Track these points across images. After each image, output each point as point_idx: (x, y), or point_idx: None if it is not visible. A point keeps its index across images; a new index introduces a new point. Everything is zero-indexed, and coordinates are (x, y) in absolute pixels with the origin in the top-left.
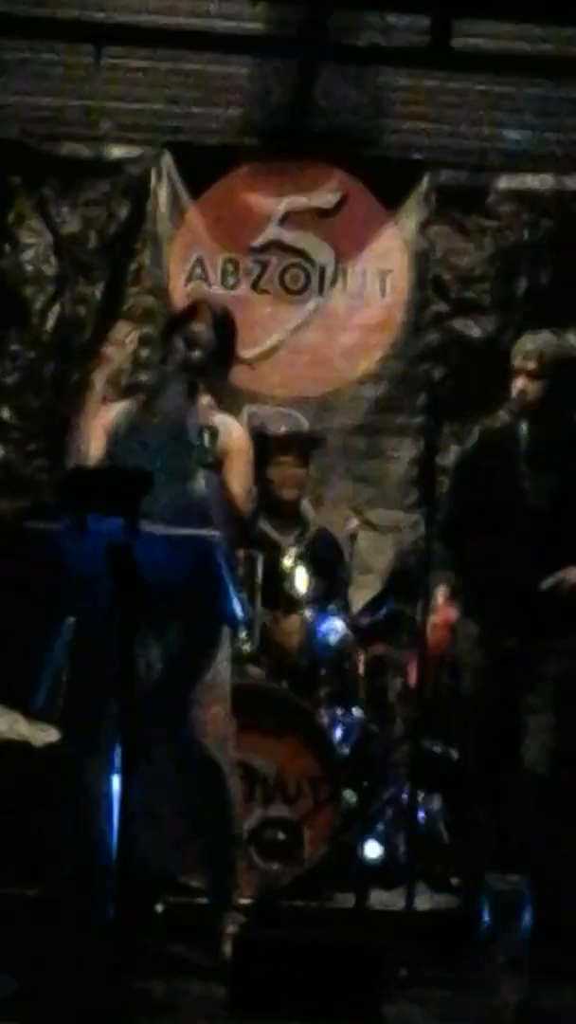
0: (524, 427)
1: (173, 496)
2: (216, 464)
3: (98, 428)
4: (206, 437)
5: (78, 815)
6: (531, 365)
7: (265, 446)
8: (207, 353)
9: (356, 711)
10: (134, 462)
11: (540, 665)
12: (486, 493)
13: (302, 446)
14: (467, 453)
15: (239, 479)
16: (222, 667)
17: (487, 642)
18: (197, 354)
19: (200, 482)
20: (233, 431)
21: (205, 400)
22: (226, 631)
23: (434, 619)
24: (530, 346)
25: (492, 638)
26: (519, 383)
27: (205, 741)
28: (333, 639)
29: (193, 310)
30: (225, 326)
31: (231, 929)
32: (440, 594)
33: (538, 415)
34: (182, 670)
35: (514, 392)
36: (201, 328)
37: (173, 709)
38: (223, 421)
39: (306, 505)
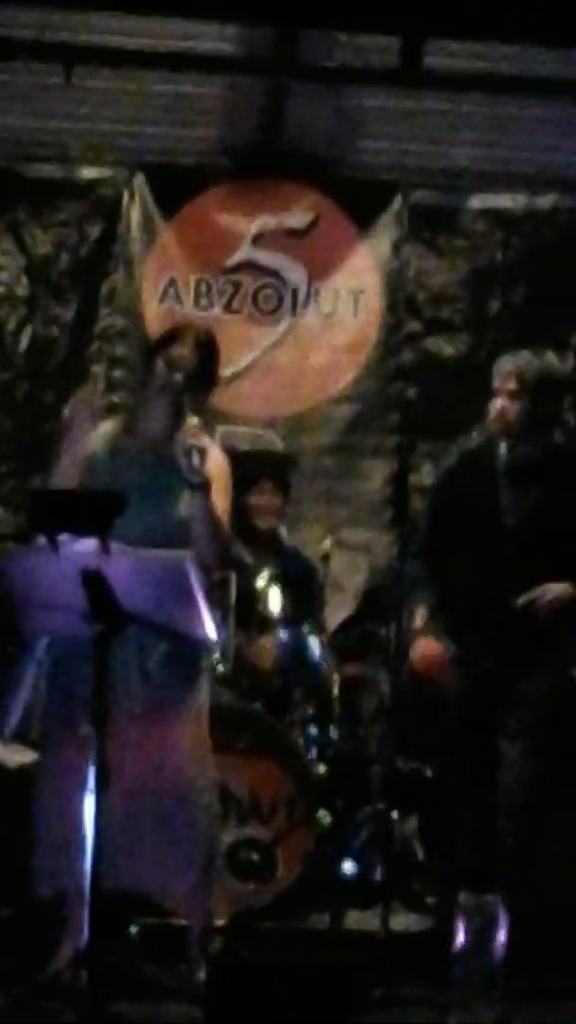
0: (502, 447)
1: (156, 519)
2: (203, 485)
3: (77, 451)
4: (195, 457)
5: (52, 837)
6: (511, 385)
7: (243, 471)
8: (189, 376)
9: (330, 730)
10: (116, 485)
11: (518, 687)
12: (464, 512)
13: (279, 473)
14: (445, 473)
15: (220, 504)
16: (202, 690)
17: (466, 663)
18: (178, 377)
19: (182, 505)
20: (212, 454)
21: (193, 421)
22: (207, 655)
23: (417, 651)
24: (509, 366)
25: (471, 659)
26: (499, 403)
27: (184, 764)
28: (305, 663)
29: (176, 333)
30: (208, 349)
31: (208, 951)
32: (418, 616)
33: (517, 435)
34: (163, 693)
35: (493, 412)
36: (184, 351)
37: (153, 732)
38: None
39: (281, 528)
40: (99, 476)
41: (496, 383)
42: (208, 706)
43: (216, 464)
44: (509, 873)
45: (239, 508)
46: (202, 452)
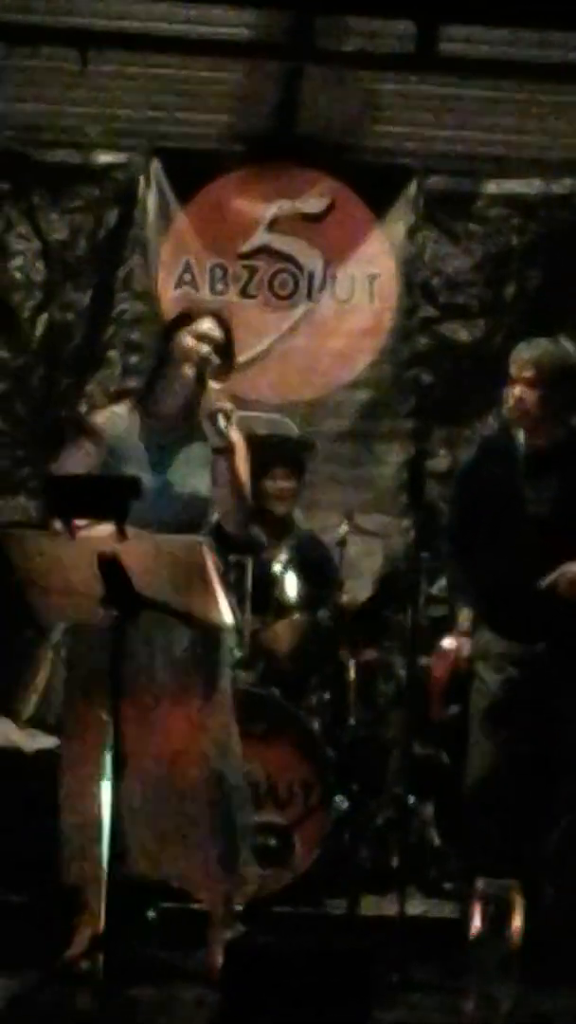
0: (520, 435)
1: (179, 496)
2: (227, 449)
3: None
4: (220, 420)
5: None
6: (528, 373)
7: (258, 457)
8: (215, 349)
9: (347, 716)
10: (137, 465)
11: (568, 670)
12: (489, 504)
13: (294, 458)
14: (467, 466)
15: (243, 471)
16: (226, 674)
17: (508, 651)
18: (206, 349)
19: (204, 481)
20: (233, 432)
21: (215, 386)
22: (228, 639)
23: (445, 647)
24: (527, 355)
25: (513, 647)
26: (516, 391)
27: (209, 748)
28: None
29: (195, 310)
30: (228, 328)
31: (229, 936)
32: (465, 615)
33: (535, 423)
34: (188, 678)
35: (511, 400)
36: (209, 325)
37: (179, 716)
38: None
39: (296, 511)
40: (119, 457)
41: (513, 371)
42: (230, 684)
43: (237, 439)
44: (526, 857)
45: (254, 493)
46: (227, 415)
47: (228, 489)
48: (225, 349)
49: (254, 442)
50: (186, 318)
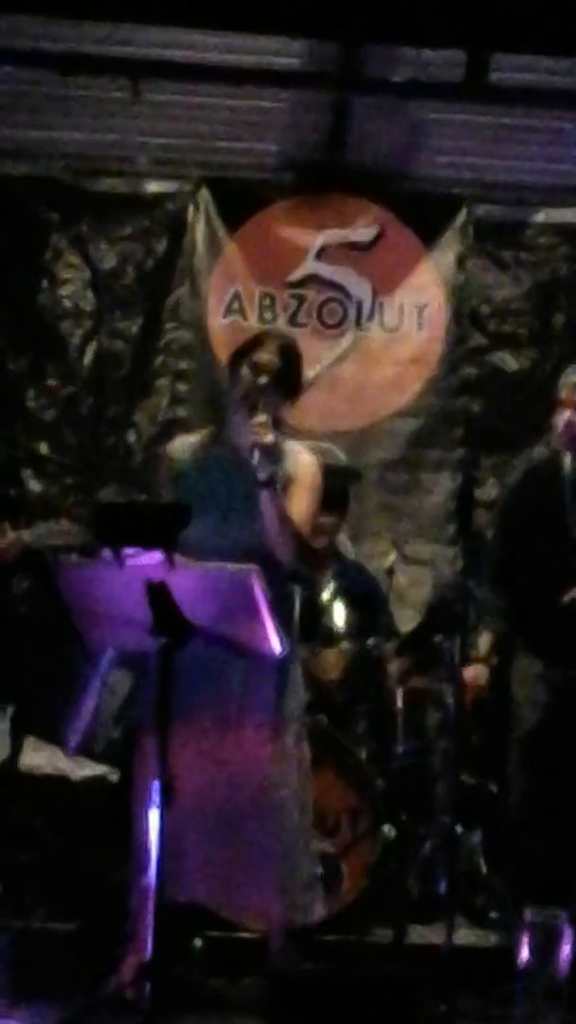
0: (568, 459)
1: (242, 529)
2: (279, 486)
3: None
4: (256, 455)
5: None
6: None
7: None
8: (272, 379)
9: (395, 745)
10: (204, 497)
11: None
12: (533, 529)
13: (336, 492)
14: (510, 491)
15: (300, 504)
16: (288, 703)
17: (547, 676)
18: (263, 380)
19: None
20: (302, 459)
21: (260, 419)
22: (294, 667)
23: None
24: (575, 378)
25: (553, 671)
26: (566, 415)
27: (264, 778)
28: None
29: (260, 338)
30: (291, 354)
31: (287, 965)
32: (482, 644)
33: None
34: (245, 707)
35: (561, 425)
36: (267, 356)
37: (234, 746)
38: (292, 448)
39: (343, 540)
40: (188, 488)
41: (563, 395)
42: (297, 717)
43: (303, 465)
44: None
45: None
46: (265, 450)
47: (274, 523)
48: (286, 377)
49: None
50: (252, 344)
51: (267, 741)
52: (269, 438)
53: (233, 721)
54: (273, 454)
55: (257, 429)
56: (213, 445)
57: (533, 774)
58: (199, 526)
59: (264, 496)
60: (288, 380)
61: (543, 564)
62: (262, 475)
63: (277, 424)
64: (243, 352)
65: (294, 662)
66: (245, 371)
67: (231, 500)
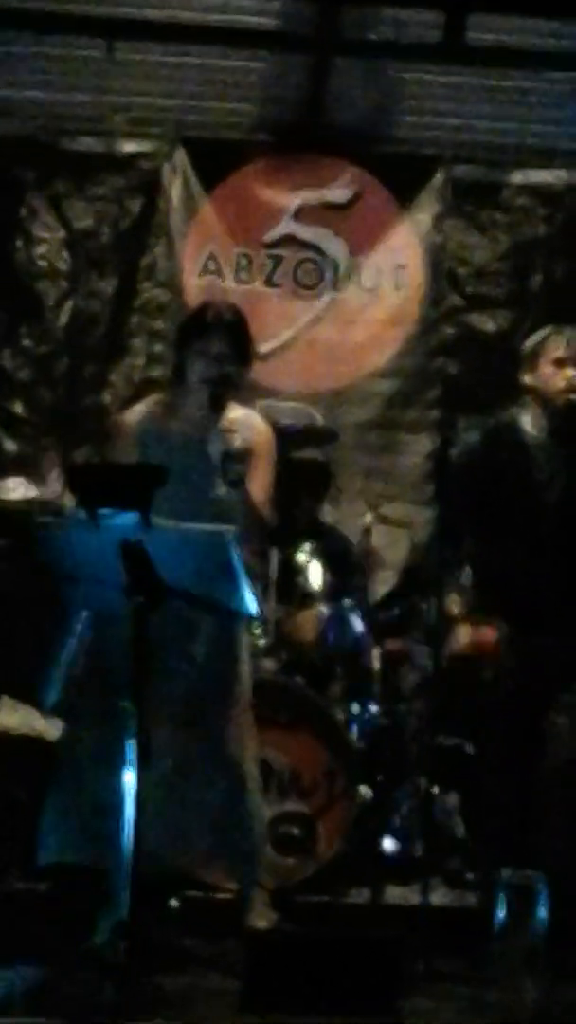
0: (529, 420)
1: (198, 499)
2: (239, 483)
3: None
4: (230, 463)
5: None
6: None
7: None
8: (224, 366)
9: (371, 706)
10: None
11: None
12: (496, 491)
13: (315, 478)
14: (471, 450)
15: (262, 483)
16: (244, 670)
17: (516, 641)
18: (215, 369)
19: (222, 489)
20: (258, 427)
21: (231, 416)
22: (244, 629)
23: (465, 637)
24: (572, 333)
25: (522, 637)
26: (569, 372)
27: (226, 746)
28: (348, 641)
29: (203, 323)
30: (237, 329)
31: (260, 924)
32: (452, 603)
33: None
34: (207, 675)
35: (561, 382)
36: (217, 347)
37: (196, 714)
38: (246, 417)
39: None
40: (148, 459)
41: (560, 353)
42: (250, 681)
43: (259, 433)
44: (552, 849)
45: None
46: (235, 457)
47: (244, 519)
48: (239, 356)
49: (277, 433)
50: (195, 330)
51: (227, 711)
52: (238, 443)
53: (194, 690)
54: (242, 454)
55: (225, 436)
56: (168, 415)
57: (506, 736)
58: (160, 497)
59: (233, 495)
60: (241, 358)
61: (509, 528)
62: (233, 476)
63: (236, 390)
64: (190, 336)
65: (243, 627)
66: (196, 361)
67: (186, 470)
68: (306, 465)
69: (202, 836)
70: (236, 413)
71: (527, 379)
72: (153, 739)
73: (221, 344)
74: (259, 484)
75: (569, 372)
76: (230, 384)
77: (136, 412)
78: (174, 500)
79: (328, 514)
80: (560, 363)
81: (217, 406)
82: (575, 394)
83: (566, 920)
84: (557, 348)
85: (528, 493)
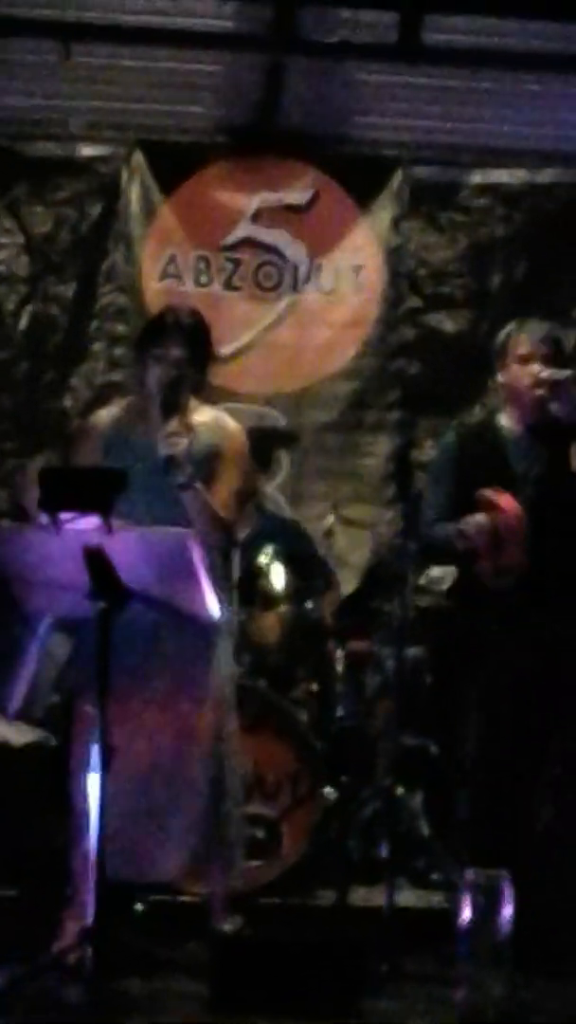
0: (504, 418)
1: (163, 506)
2: (186, 485)
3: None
4: (174, 462)
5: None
6: (545, 349)
7: None
8: (181, 369)
9: (335, 707)
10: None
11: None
12: (476, 487)
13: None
14: (447, 446)
15: (228, 485)
16: (220, 670)
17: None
18: (173, 373)
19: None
20: (228, 429)
21: (172, 427)
22: (223, 634)
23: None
24: (539, 332)
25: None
26: (534, 368)
27: (199, 748)
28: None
29: (161, 327)
30: (196, 333)
31: (228, 928)
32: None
33: (556, 394)
34: (180, 676)
35: (526, 378)
36: (173, 352)
37: (169, 715)
38: (217, 419)
39: (280, 501)
40: (114, 462)
41: (523, 349)
42: (228, 683)
43: (229, 437)
44: (515, 846)
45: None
46: (179, 458)
47: (203, 519)
48: (197, 359)
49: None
50: (152, 336)
51: (201, 708)
52: (182, 446)
53: (167, 688)
54: (190, 455)
55: (171, 440)
56: (134, 420)
57: (480, 735)
58: (125, 501)
59: (186, 497)
60: (199, 360)
61: None
62: (180, 479)
63: (198, 393)
64: (148, 341)
65: (227, 628)
66: (153, 366)
67: (149, 477)
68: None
69: (177, 841)
70: (205, 416)
71: (500, 377)
72: (120, 744)
73: (178, 349)
74: (225, 485)
75: (534, 368)
76: (185, 388)
77: (103, 416)
78: (138, 505)
79: (289, 515)
80: (524, 359)
81: (169, 410)
82: (541, 389)
83: (531, 919)
84: (520, 344)
85: (506, 488)
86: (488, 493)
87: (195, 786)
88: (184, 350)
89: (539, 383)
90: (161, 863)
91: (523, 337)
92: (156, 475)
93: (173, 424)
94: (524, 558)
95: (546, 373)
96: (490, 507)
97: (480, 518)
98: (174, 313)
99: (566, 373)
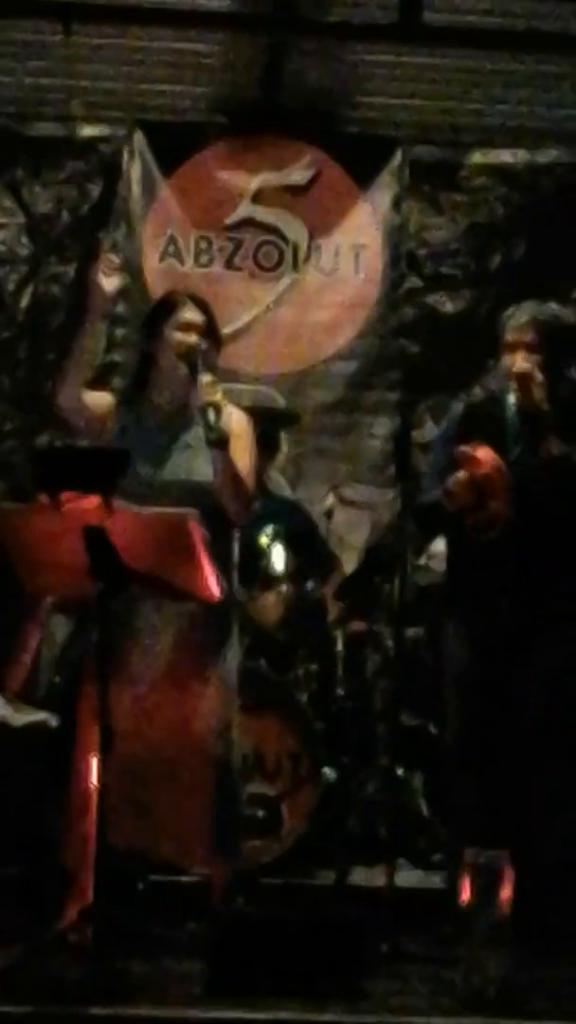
0: (511, 400)
1: (176, 484)
2: (220, 442)
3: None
4: (211, 414)
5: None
6: (528, 337)
7: None
8: (203, 336)
9: (335, 687)
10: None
11: (536, 644)
12: None
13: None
14: (452, 423)
15: (244, 460)
16: (224, 656)
17: (477, 624)
18: (194, 339)
19: (205, 469)
20: (235, 415)
21: (206, 379)
22: (233, 617)
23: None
24: (523, 318)
25: (483, 619)
26: (518, 356)
27: (205, 728)
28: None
29: (171, 301)
30: (209, 309)
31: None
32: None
33: (539, 385)
34: (188, 656)
35: (512, 366)
36: (191, 315)
37: (177, 695)
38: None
39: (281, 481)
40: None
41: (510, 337)
42: (234, 664)
43: (238, 423)
44: (515, 826)
45: None
46: (217, 409)
47: (226, 481)
48: (210, 331)
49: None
50: (165, 308)
51: (205, 689)
52: (219, 396)
53: (170, 668)
54: (220, 414)
55: (207, 389)
56: (134, 404)
57: (468, 716)
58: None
59: (216, 455)
60: (214, 334)
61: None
62: (213, 435)
63: (212, 371)
64: (160, 316)
65: (231, 609)
66: (177, 335)
67: (163, 461)
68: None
69: (176, 822)
70: (217, 396)
71: (500, 361)
72: (125, 723)
73: (198, 315)
74: (242, 465)
75: (518, 358)
76: (206, 356)
77: (97, 396)
78: (153, 488)
79: (289, 495)
80: (509, 348)
81: (193, 374)
82: (520, 381)
83: (530, 898)
84: (507, 332)
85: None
86: (465, 448)
87: (209, 768)
88: (197, 315)
89: (518, 374)
90: (166, 843)
91: (510, 325)
92: (160, 456)
93: (207, 377)
94: (507, 509)
95: (516, 367)
96: (469, 462)
97: (460, 474)
98: (183, 292)
99: (526, 367)
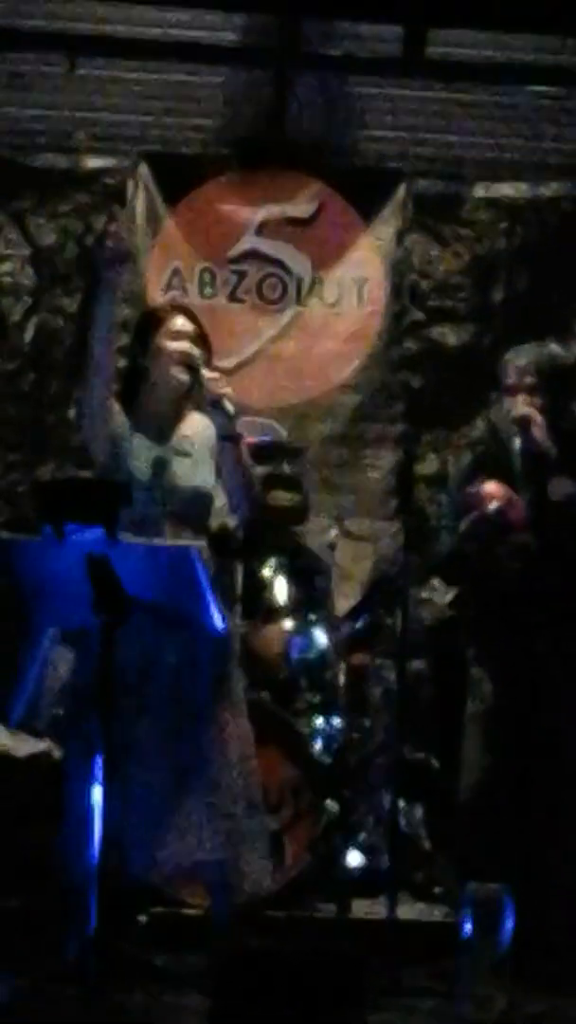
0: (516, 442)
1: (179, 490)
2: (232, 436)
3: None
4: (227, 404)
5: (64, 826)
6: (529, 380)
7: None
8: (195, 342)
9: (336, 720)
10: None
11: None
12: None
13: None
14: (462, 472)
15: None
16: (236, 682)
17: (494, 662)
18: (187, 345)
19: (209, 471)
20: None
21: (213, 374)
22: (236, 645)
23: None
24: (523, 361)
25: (500, 657)
26: (519, 400)
27: (217, 760)
28: (313, 656)
29: (158, 315)
30: (197, 318)
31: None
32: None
33: (540, 427)
34: (196, 689)
35: (514, 410)
36: (182, 322)
37: (186, 727)
38: (207, 426)
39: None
40: (120, 457)
41: (511, 380)
42: (238, 693)
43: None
44: (515, 860)
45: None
46: (230, 400)
47: (237, 474)
48: (200, 337)
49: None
50: (152, 321)
51: (210, 718)
52: (228, 388)
53: (174, 699)
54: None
55: (216, 383)
56: (128, 416)
57: (487, 750)
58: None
59: (228, 450)
60: (204, 340)
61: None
62: (228, 428)
63: (200, 387)
64: (148, 329)
65: (234, 638)
66: (170, 343)
67: (162, 469)
68: (281, 511)
69: (181, 851)
70: (194, 420)
71: (504, 403)
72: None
73: (186, 322)
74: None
75: (519, 401)
76: (202, 358)
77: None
78: (152, 503)
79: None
80: (511, 391)
81: (194, 373)
82: (519, 425)
83: (531, 931)
84: (507, 375)
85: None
86: (470, 489)
87: (219, 797)
88: (192, 324)
89: (517, 419)
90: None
91: (510, 368)
92: (169, 461)
93: (212, 373)
94: (528, 537)
95: (516, 411)
96: (480, 500)
97: (473, 515)
98: (170, 304)
99: (527, 411)
